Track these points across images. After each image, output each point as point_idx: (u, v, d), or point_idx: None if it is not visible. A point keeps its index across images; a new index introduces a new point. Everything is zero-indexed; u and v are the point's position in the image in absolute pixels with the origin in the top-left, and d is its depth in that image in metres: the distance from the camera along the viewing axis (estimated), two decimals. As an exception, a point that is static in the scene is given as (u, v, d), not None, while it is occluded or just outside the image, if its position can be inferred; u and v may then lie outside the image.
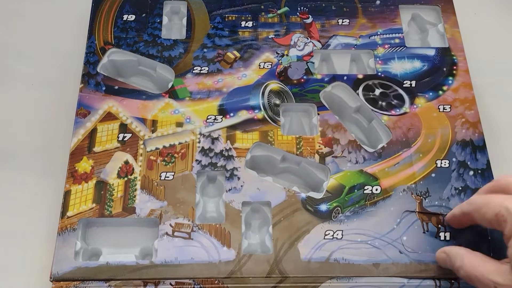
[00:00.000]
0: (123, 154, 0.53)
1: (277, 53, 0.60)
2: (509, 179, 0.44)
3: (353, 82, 0.58)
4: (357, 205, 0.51)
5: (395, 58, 0.60)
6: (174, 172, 0.53)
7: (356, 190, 0.52)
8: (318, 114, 0.56)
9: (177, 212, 0.50)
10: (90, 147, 0.53)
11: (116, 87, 0.57)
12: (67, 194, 0.51)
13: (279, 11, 0.63)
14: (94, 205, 0.51)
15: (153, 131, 0.55)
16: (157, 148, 0.54)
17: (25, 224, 0.54)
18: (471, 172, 0.53)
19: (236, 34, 0.61)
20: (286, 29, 0.61)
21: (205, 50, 0.60)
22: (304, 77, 0.58)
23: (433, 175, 0.53)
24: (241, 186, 0.52)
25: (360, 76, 0.59)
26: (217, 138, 0.54)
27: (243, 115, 0.56)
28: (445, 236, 0.49)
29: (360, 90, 0.57)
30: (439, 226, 0.50)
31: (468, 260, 0.44)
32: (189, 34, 0.61)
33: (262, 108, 0.56)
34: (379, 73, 0.59)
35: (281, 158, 0.54)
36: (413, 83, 0.58)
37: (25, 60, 0.65)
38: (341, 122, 0.56)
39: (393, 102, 0.57)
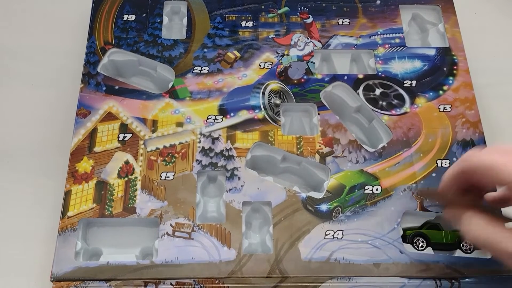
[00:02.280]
0: (123, 154, 0.53)
1: (277, 53, 0.60)
2: None
3: (354, 82, 0.58)
4: (357, 205, 0.51)
5: (395, 58, 0.60)
6: (175, 172, 0.52)
7: (356, 190, 0.52)
8: (319, 114, 0.56)
9: (177, 212, 0.50)
10: (91, 147, 0.53)
11: (117, 87, 0.57)
12: (67, 194, 0.51)
13: (279, 11, 0.63)
14: (94, 205, 0.51)
15: (153, 131, 0.55)
16: (157, 148, 0.54)
17: (25, 224, 0.54)
18: (472, 172, 0.53)
19: (237, 34, 0.61)
20: (286, 29, 0.61)
21: (205, 50, 0.60)
22: (305, 77, 0.58)
23: (433, 174, 0.53)
24: (242, 186, 0.52)
25: (361, 76, 0.59)
26: (217, 138, 0.54)
27: (244, 115, 0.56)
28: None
29: (360, 90, 0.57)
30: None
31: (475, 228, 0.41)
32: (189, 34, 0.61)
33: (262, 108, 0.56)
34: (380, 73, 0.59)
35: (281, 158, 0.54)
36: (414, 83, 0.58)
37: (25, 60, 0.65)
38: (342, 122, 0.56)
39: (393, 102, 0.57)
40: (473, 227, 0.40)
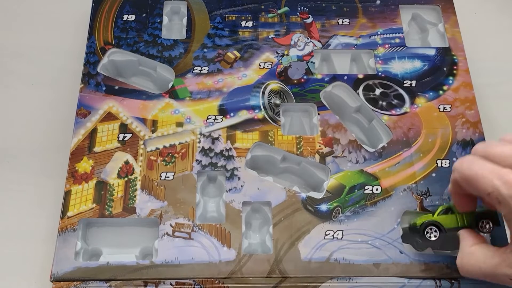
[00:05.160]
0: (123, 154, 0.53)
1: (277, 53, 0.60)
2: (498, 148, 0.40)
3: (354, 82, 0.58)
4: (357, 205, 0.51)
5: (395, 58, 0.60)
6: (175, 172, 0.52)
7: (356, 190, 0.52)
8: (319, 114, 0.56)
9: (177, 212, 0.50)
10: (91, 147, 0.53)
11: (116, 87, 0.57)
12: (67, 194, 0.51)
13: (279, 11, 0.63)
14: (94, 205, 0.51)
15: (153, 131, 0.55)
16: (157, 148, 0.54)
17: (25, 224, 0.54)
18: (472, 172, 0.53)
19: (236, 34, 0.61)
20: (286, 29, 0.61)
21: (205, 50, 0.60)
22: (305, 77, 0.58)
23: (433, 174, 0.53)
24: (242, 186, 0.52)
25: (361, 76, 0.59)
26: (217, 138, 0.54)
27: (243, 115, 0.56)
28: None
29: (360, 90, 0.57)
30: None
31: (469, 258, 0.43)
32: (189, 34, 0.61)
33: (262, 108, 0.56)
34: (380, 73, 0.59)
35: (281, 158, 0.54)
36: (414, 83, 0.58)
37: (25, 60, 0.65)
38: (342, 122, 0.56)
39: (393, 102, 0.57)
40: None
